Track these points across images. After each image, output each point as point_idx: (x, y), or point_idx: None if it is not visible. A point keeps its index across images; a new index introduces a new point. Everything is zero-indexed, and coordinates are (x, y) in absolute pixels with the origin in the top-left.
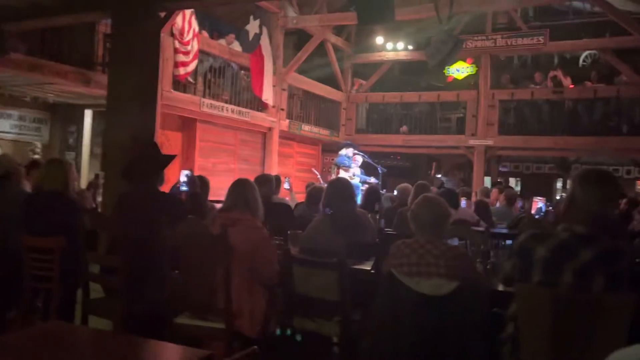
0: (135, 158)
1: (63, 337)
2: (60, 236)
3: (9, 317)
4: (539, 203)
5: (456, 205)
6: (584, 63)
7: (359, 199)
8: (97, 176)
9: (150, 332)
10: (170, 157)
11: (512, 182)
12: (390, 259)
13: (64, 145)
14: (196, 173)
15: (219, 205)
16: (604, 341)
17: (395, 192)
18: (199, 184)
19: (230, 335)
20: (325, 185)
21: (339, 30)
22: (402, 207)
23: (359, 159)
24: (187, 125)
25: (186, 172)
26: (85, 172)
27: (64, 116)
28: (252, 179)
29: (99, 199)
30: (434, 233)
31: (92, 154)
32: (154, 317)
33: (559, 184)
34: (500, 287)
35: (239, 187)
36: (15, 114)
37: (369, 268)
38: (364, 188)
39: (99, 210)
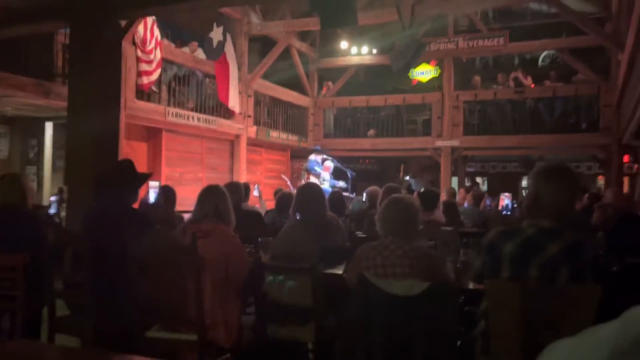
0: (109, 175)
1: (29, 356)
2: (23, 253)
3: None
4: (505, 200)
5: (434, 207)
6: (543, 63)
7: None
8: (60, 190)
9: (121, 346)
10: (146, 176)
11: (478, 181)
12: (356, 262)
13: (24, 160)
14: (163, 183)
15: (187, 216)
16: (571, 332)
17: (364, 196)
18: (163, 196)
19: (203, 347)
20: (295, 191)
21: (303, 35)
22: (371, 210)
23: (330, 165)
24: (152, 134)
25: (155, 185)
26: (48, 186)
27: (23, 129)
28: None
29: (63, 213)
30: (401, 234)
31: (54, 167)
32: (124, 332)
33: (524, 182)
34: (471, 285)
35: (209, 195)
36: None
37: (341, 272)
38: None
39: (63, 225)
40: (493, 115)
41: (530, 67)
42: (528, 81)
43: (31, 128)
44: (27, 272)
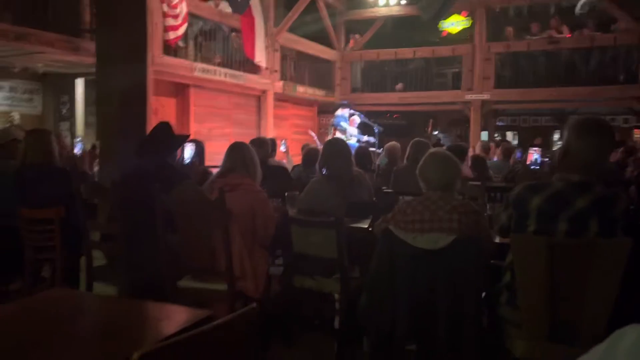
0: (148, 137)
1: (67, 301)
2: (59, 207)
3: (13, 289)
4: (534, 154)
5: (463, 160)
6: (581, 11)
7: None
8: (93, 146)
9: (154, 295)
10: (184, 137)
11: (509, 135)
12: (397, 215)
13: (57, 116)
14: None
15: (214, 170)
16: (598, 286)
17: (382, 151)
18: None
19: (232, 296)
20: (321, 146)
21: None
22: (394, 165)
23: (357, 119)
24: (180, 90)
25: (191, 147)
26: None
27: (55, 86)
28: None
29: (96, 168)
30: (446, 189)
31: (86, 123)
32: (156, 282)
33: (556, 136)
34: (497, 239)
35: (236, 151)
36: (6, 85)
37: (366, 226)
38: None
39: (97, 179)
40: (526, 67)
41: (567, 15)
42: (564, 30)
43: (62, 84)
44: (63, 225)
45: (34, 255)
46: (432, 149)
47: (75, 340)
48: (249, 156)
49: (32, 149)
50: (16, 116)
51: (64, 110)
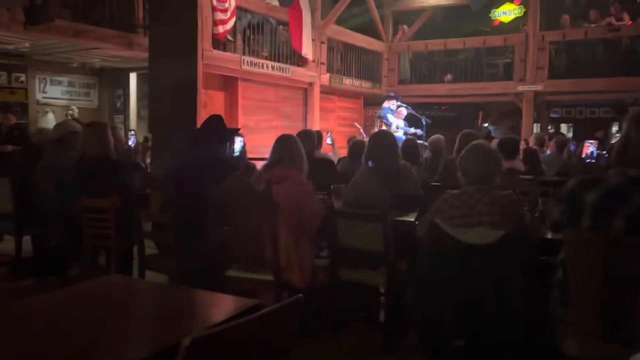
0: (201, 129)
1: (121, 287)
2: (114, 197)
3: (73, 273)
4: (590, 147)
5: (513, 156)
6: None
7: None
8: (146, 139)
9: (203, 284)
10: (235, 131)
11: (563, 128)
12: (436, 212)
13: (112, 109)
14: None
15: (261, 163)
16: None
17: (427, 144)
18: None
19: (279, 286)
20: (367, 138)
21: None
22: (439, 158)
23: (404, 111)
24: (228, 84)
25: (240, 140)
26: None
27: (110, 80)
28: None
29: (148, 160)
30: (486, 182)
31: (139, 116)
32: (205, 271)
33: (614, 128)
34: (549, 235)
35: (284, 143)
36: (65, 80)
37: (412, 219)
38: None
39: (149, 170)
40: (582, 56)
41: (627, 1)
42: (624, 18)
43: (117, 79)
44: (118, 214)
45: (91, 242)
46: (474, 141)
47: (129, 324)
48: (296, 148)
49: (90, 141)
50: (75, 110)
51: (118, 104)
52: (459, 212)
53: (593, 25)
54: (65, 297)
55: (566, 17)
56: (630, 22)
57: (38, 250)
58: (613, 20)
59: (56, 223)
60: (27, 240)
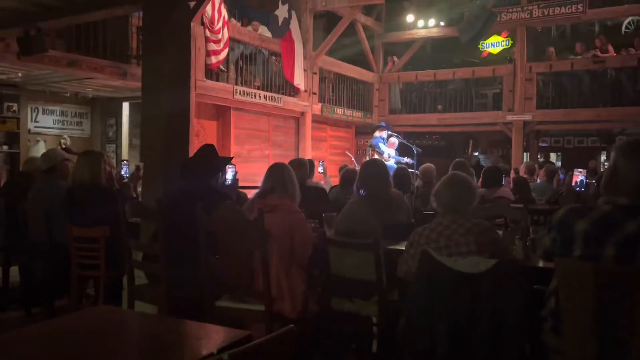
0: (193, 158)
1: (110, 319)
2: (104, 226)
3: (60, 305)
4: (579, 176)
5: (498, 183)
6: (627, 30)
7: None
8: (137, 168)
9: (193, 314)
10: (227, 159)
11: (552, 157)
12: (413, 249)
13: (104, 138)
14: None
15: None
16: None
17: (418, 172)
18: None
19: (270, 317)
20: (359, 167)
21: (368, 9)
22: (431, 187)
23: (395, 141)
24: (221, 113)
25: (231, 169)
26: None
27: (103, 109)
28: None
29: (139, 189)
30: (460, 211)
31: (131, 145)
32: (195, 301)
33: (602, 157)
34: (541, 263)
35: (276, 172)
36: (57, 109)
37: (404, 248)
38: None
39: (139, 200)
40: (569, 87)
41: (612, 34)
42: (610, 49)
43: (110, 108)
44: (108, 244)
45: (79, 272)
46: (453, 172)
47: (117, 357)
48: (288, 177)
49: (81, 170)
50: (67, 139)
51: (110, 133)
52: (436, 245)
53: (579, 57)
54: (52, 330)
55: (551, 49)
56: (615, 53)
57: (25, 281)
58: (598, 52)
59: (44, 253)
60: (14, 270)
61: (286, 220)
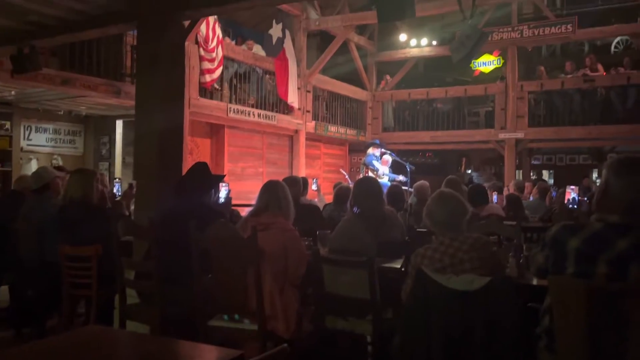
0: (186, 176)
1: (101, 339)
2: (96, 244)
3: (51, 324)
4: (571, 193)
5: (485, 200)
6: (616, 50)
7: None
8: (130, 186)
9: (185, 334)
10: (220, 177)
11: (544, 174)
12: (416, 266)
13: (97, 156)
14: (226, 179)
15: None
16: None
17: (412, 190)
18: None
19: (263, 336)
20: (353, 185)
21: (361, 29)
22: (424, 204)
23: (388, 158)
24: (215, 131)
25: (225, 187)
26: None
27: (96, 127)
28: None
29: (132, 207)
30: (450, 230)
31: (124, 163)
32: (188, 320)
33: (594, 175)
34: (535, 281)
35: (270, 189)
36: (50, 127)
37: (398, 266)
38: None
39: (132, 218)
40: (560, 105)
41: (601, 53)
42: (599, 69)
43: (103, 126)
44: (99, 262)
45: (71, 291)
46: (439, 189)
47: None
48: (283, 195)
49: (74, 188)
50: (59, 159)
51: (104, 151)
52: (441, 265)
53: (569, 75)
54: (43, 350)
55: (542, 68)
56: (605, 73)
57: (15, 300)
58: (588, 71)
59: (36, 271)
60: (4, 289)
61: (280, 238)
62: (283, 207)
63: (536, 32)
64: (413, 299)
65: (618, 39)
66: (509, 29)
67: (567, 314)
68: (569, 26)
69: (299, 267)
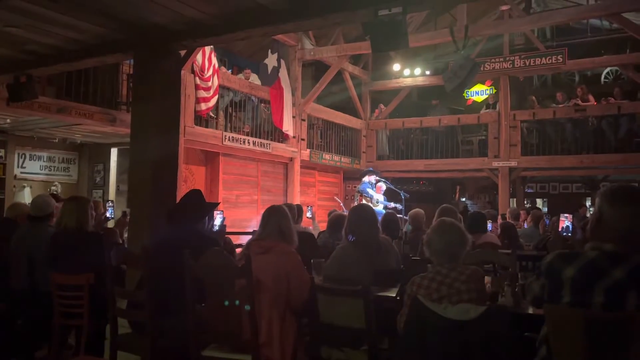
0: (180, 204)
1: None
2: (88, 273)
3: (40, 355)
4: (565, 221)
5: (483, 229)
6: (606, 80)
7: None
8: (124, 214)
9: None
10: (214, 205)
11: (538, 202)
12: (412, 295)
13: (91, 184)
14: (221, 206)
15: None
16: None
17: (406, 218)
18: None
19: None
20: (348, 212)
21: (355, 59)
22: (419, 232)
23: (383, 186)
24: (210, 159)
25: (219, 215)
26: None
27: (91, 155)
28: None
29: (126, 235)
30: (448, 260)
31: (118, 190)
32: (180, 351)
33: (587, 203)
34: (531, 310)
35: (273, 216)
36: (45, 155)
37: (394, 295)
38: None
39: (126, 246)
40: (552, 134)
41: (592, 83)
42: (590, 99)
43: (98, 154)
44: (91, 291)
45: (62, 321)
46: (440, 218)
47: None
48: (285, 221)
49: (68, 216)
50: (58, 186)
51: (98, 179)
52: (438, 295)
53: (560, 105)
54: None
55: (533, 97)
56: (596, 102)
57: (4, 330)
58: (579, 101)
59: (26, 300)
60: None
61: (281, 261)
62: (286, 233)
63: (527, 63)
64: (409, 329)
65: (608, 69)
66: (501, 59)
67: (565, 344)
68: (559, 57)
69: (301, 292)
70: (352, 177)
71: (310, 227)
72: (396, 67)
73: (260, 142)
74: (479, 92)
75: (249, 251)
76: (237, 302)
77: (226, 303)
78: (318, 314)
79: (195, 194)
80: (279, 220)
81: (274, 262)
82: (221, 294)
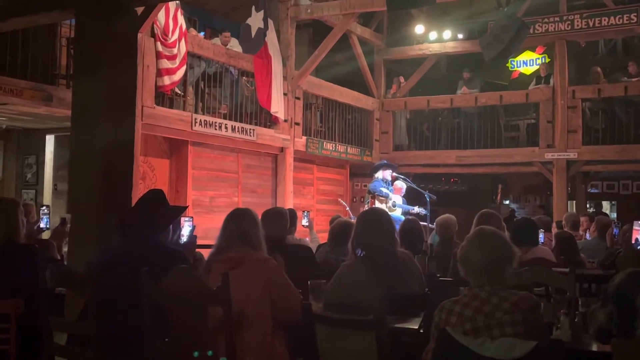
0: (135, 209)
1: None
2: (16, 299)
3: None
4: None
5: (534, 241)
6: None
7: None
8: (63, 221)
9: None
10: (180, 209)
11: (605, 206)
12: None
13: (20, 182)
14: (190, 211)
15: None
16: None
17: (433, 226)
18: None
19: None
20: (355, 219)
21: (366, 19)
22: (450, 245)
23: (402, 185)
24: (175, 149)
25: (188, 222)
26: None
27: (20, 145)
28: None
29: (65, 249)
30: (489, 281)
31: (55, 191)
32: None
33: None
34: (594, 347)
35: (231, 221)
36: None
37: (416, 327)
38: None
39: (65, 263)
40: (623, 117)
41: None
42: None
43: (29, 143)
44: (20, 323)
45: None
46: (478, 227)
47: None
48: (248, 225)
49: None
50: None
51: (29, 175)
52: (473, 325)
53: (633, 79)
54: None
55: (598, 69)
56: None
57: None
58: None
59: None
60: None
61: (256, 272)
62: (252, 239)
63: (591, 24)
64: None
65: None
66: (557, 19)
67: None
68: (632, 16)
69: (288, 300)
70: (362, 172)
71: (307, 239)
72: (419, 29)
73: (242, 128)
74: (527, 62)
75: (209, 273)
76: (209, 353)
77: (196, 354)
78: (317, 353)
79: (155, 196)
80: (237, 224)
81: (250, 275)
82: (189, 325)
